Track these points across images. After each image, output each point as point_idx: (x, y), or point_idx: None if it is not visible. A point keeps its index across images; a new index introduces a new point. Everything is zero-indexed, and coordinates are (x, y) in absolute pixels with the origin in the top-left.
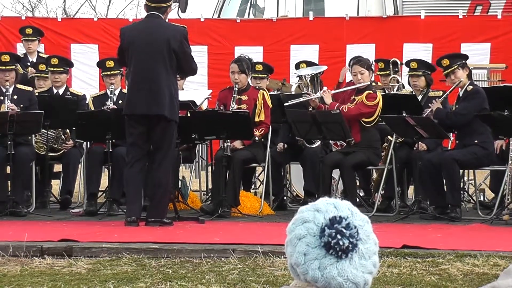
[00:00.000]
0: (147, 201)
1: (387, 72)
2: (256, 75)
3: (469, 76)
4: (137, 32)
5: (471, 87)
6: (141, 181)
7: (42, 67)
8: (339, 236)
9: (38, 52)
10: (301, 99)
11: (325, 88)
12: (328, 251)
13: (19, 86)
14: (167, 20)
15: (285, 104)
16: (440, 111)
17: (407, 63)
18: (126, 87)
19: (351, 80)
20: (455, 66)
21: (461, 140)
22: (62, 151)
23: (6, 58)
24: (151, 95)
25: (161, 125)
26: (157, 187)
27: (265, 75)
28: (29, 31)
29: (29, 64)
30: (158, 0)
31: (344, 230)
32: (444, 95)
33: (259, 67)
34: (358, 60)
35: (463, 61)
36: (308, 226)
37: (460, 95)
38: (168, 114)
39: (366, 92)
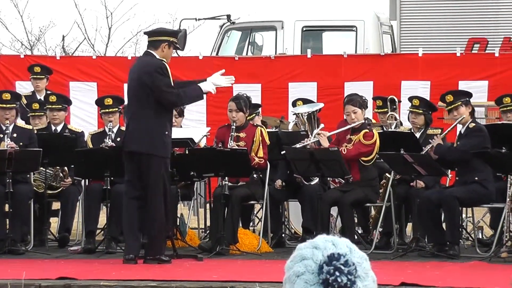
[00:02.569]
0: (146, 238)
1: (385, 109)
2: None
3: (472, 114)
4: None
5: (473, 124)
6: (137, 219)
7: (36, 106)
8: (337, 273)
9: (47, 90)
10: (298, 146)
11: (322, 126)
12: None
13: (19, 124)
14: (169, 58)
15: (282, 152)
16: (441, 146)
17: (410, 99)
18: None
19: (345, 119)
20: (459, 103)
21: (461, 177)
22: (60, 189)
23: (7, 96)
24: (128, 131)
25: (143, 161)
26: (150, 224)
27: (253, 114)
28: (37, 69)
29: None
30: (148, 32)
31: (343, 267)
32: (446, 132)
33: None
34: (350, 100)
35: (467, 99)
36: (307, 263)
37: (462, 132)
38: (144, 149)
39: (363, 131)
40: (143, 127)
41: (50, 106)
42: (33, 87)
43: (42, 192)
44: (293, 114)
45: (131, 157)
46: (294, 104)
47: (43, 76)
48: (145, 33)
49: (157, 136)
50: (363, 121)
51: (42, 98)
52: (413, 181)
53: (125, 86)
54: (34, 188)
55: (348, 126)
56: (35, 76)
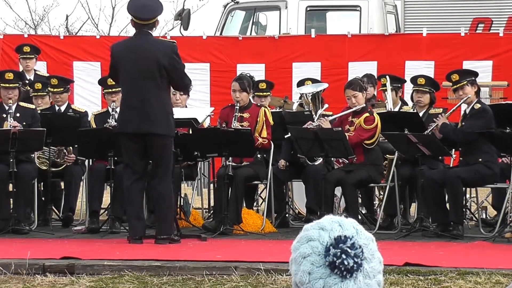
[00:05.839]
0: (155, 218)
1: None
2: (261, 93)
3: (477, 93)
4: (126, 50)
5: (478, 105)
6: (141, 200)
7: (38, 86)
8: (344, 256)
9: (35, 70)
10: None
11: (326, 106)
12: (333, 271)
13: (22, 103)
14: (159, 35)
15: (286, 136)
16: (447, 125)
17: (414, 79)
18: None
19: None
20: (464, 82)
21: (465, 157)
22: (64, 166)
23: (10, 76)
24: (142, 113)
25: (158, 143)
26: (160, 202)
27: (269, 93)
28: (26, 49)
29: (27, 82)
30: (145, 18)
31: (349, 250)
32: (450, 111)
33: (263, 85)
34: (350, 84)
35: (473, 78)
36: (313, 245)
37: (467, 112)
38: (163, 131)
39: (364, 115)
40: (158, 109)
41: (52, 90)
42: (23, 67)
43: (45, 170)
44: (299, 94)
45: (142, 138)
46: (302, 83)
47: (33, 56)
48: (139, 17)
49: (171, 117)
50: (364, 104)
51: (32, 78)
52: (417, 161)
53: None
54: (38, 165)
55: (350, 110)
56: (24, 56)
